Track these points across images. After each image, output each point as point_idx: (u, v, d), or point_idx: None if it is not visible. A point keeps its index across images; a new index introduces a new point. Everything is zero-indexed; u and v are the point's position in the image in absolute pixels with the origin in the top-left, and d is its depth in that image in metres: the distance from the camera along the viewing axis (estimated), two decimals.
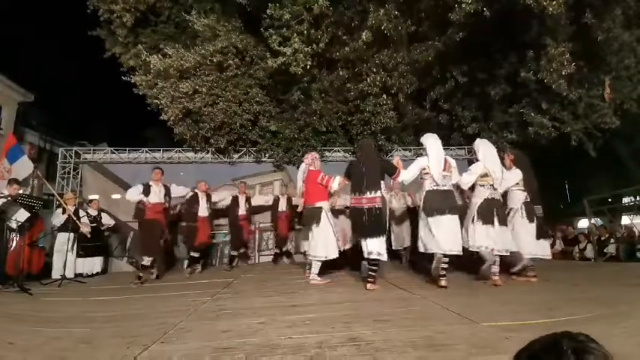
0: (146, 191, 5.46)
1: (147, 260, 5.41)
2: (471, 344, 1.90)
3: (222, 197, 7.11)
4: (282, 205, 7.48)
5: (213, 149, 8.45)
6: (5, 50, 13.83)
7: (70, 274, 5.99)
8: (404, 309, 2.89)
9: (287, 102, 8.36)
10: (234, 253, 7.15)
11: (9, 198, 5.13)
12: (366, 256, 4.02)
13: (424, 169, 4.19)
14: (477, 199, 4.21)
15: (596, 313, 2.47)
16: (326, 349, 1.90)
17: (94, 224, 6.78)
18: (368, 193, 4.01)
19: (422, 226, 4.11)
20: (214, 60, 7.52)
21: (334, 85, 8.14)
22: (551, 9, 5.90)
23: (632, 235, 7.87)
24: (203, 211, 6.33)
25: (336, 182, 4.52)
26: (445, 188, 4.11)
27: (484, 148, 4.35)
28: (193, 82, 7.55)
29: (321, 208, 4.55)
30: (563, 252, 8.49)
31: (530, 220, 4.32)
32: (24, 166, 6.89)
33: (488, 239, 4.01)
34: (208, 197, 6.54)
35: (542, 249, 4.34)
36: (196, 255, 6.40)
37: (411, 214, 6.40)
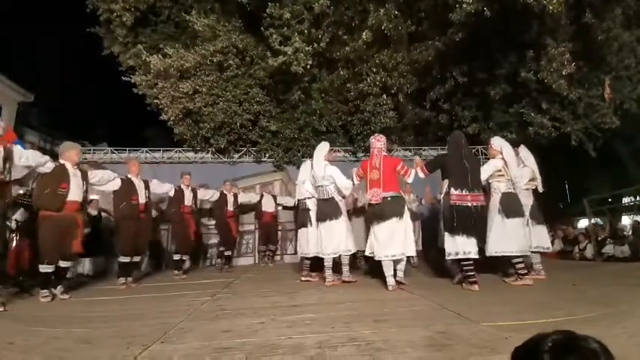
0: None
1: None
2: (470, 344, 1.90)
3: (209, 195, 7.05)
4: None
5: (214, 149, 8.45)
6: (5, 50, 13.83)
7: (69, 274, 5.97)
8: (404, 309, 2.89)
9: (287, 102, 8.36)
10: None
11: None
12: (459, 256, 3.76)
13: (499, 170, 4.16)
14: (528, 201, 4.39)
15: (596, 313, 2.46)
16: (326, 349, 1.89)
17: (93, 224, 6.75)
18: (474, 190, 3.83)
19: (495, 228, 4.04)
20: (214, 60, 7.52)
21: (334, 84, 8.16)
22: (551, 7, 5.90)
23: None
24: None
25: (412, 176, 4.13)
26: (516, 191, 4.19)
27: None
28: (193, 82, 7.56)
29: (403, 198, 4.12)
30: (562, 252, 8.47)
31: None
32: None
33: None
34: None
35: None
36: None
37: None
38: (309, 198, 4.78)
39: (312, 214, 4.68)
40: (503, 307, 2.86)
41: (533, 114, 8.10)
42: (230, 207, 6.93)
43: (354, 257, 4.98)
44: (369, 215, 4.14)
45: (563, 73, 6.88)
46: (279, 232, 8.20)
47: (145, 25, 8.51)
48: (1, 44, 13.99)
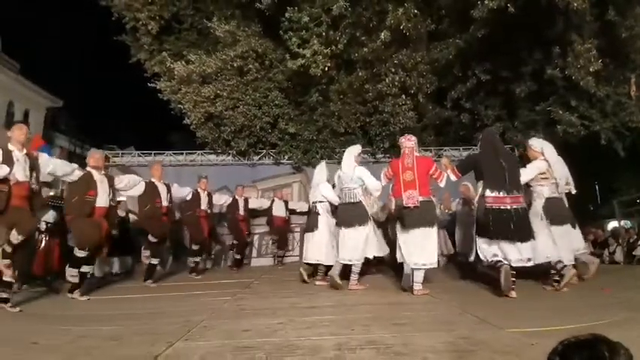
0: (7, 159, 3.20)
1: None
2: (494, 350, 1.85)
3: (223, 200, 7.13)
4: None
5: (234, 152, 8.60)
6: (35, 57, 14.49)
7: (98, 272, 6.19)
8: (424, 313, 2.85)
9: (305, 104, 8.43)
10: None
11: None
12: (512, 263, 3.41)
13: (543, 173, 3.90)
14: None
15: (621, 317, 2.37)
16: (345, 352, 1.89)
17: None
18: (513, 191, 3.51)
19: (545, 234, 3.69)
20: (235, 65, 7.69)
21: (353, 86, 8.14)
22: (575, 4, 5.73)
23: None
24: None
25: (445, 180, 3.90)
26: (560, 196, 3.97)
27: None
28: (215, 87, 7.74)
29: (434, 202, 3.92)
30: (592, 255, 8.14)
31: None
32: None
33: None
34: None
35: None
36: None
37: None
38: (320, 202, 4.68)
39: (321, 219, 4.60)
40: (528, 312, 2.78)
41: (561, 112, 7.81)
42: (241, 211, 7.03)
43: (368, 262, 4.89)
44: (403, 219, 3.77)
45: (590, 69, 6.64)
46: (297, 234, 8.23)
47: (169, 33, 8.79)
48: (31, 52, 14.67)
